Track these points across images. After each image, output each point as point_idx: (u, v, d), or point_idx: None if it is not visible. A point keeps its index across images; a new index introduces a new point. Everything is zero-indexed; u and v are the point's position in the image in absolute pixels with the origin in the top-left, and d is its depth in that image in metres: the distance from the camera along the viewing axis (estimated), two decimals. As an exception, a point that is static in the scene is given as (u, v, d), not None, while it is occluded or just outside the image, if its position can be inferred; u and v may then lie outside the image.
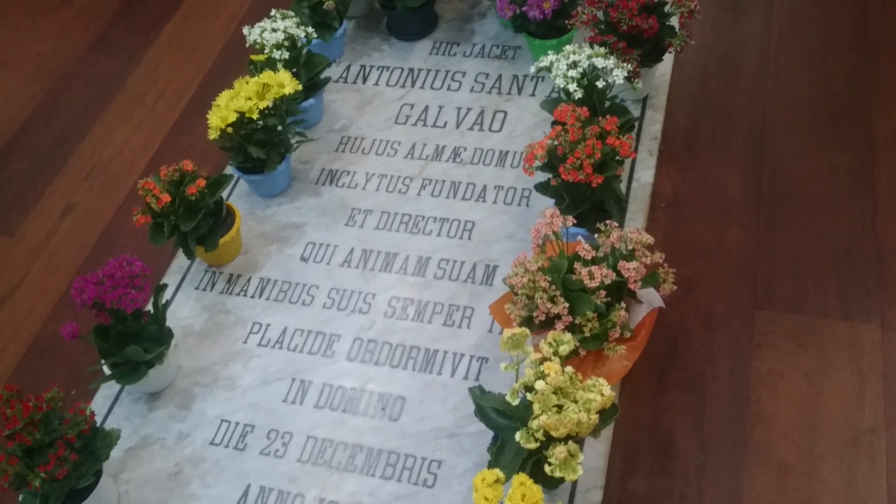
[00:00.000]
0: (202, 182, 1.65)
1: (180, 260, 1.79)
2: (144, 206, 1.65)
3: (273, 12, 1.90)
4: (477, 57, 2.07)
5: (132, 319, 1.50)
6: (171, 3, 2.41)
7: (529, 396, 1.21)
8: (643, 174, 1.76)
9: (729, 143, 1.82)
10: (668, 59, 1.89)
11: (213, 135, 1.71)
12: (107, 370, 1.54)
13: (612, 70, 1.61)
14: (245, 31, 1.88)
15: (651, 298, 1.41)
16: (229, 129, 1.71)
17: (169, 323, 1.58)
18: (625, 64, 1.65)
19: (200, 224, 1.65)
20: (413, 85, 2.04)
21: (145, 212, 1.65)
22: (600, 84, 1.62)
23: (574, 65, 1.63)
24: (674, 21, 1.77)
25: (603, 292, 1.34)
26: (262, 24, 1.87)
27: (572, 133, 1.51)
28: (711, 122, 1.85)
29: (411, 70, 2.07)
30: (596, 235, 1.41)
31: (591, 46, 1.69)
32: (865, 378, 1.43)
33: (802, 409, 1.41)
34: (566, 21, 1.82)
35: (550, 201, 1.64)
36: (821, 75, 1.89)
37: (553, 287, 1.35)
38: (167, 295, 1.72)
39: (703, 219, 1.70)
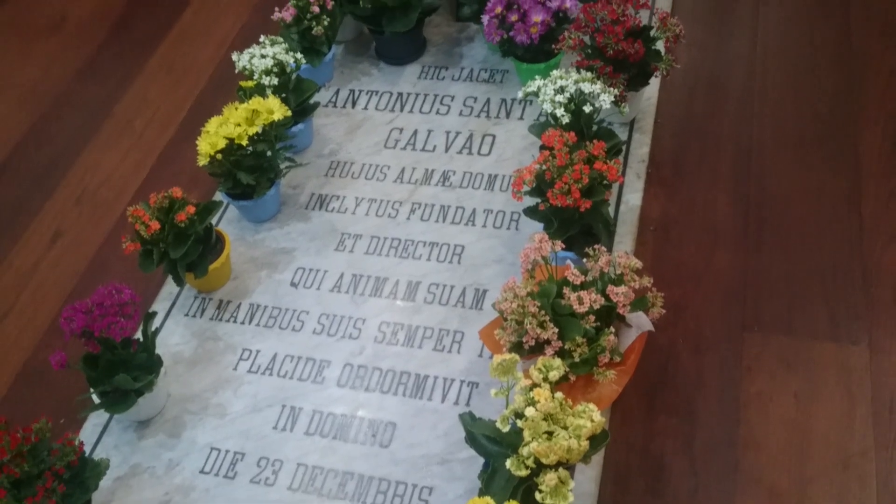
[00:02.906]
0: (192, 209, 1.65)
1: (170, 286, 1.79)
2: (134, 233, 1.65)
3: (262, 38, 1.91)
4: (465, 81, 2.08)
5: (121, 348, 1.49)
6: (161, 28, 2.42)
7: (520, 423, 1.21)
8: (631, 197, 1.77)
9: (716, 165, 1.83)
10: (655, 82, 1.91)
11: (202, 161, 1.72)
12: (96, 399, 1.53)
13: (598, 95, 1.62)
14: (234, 57, 1.89)
15: (640, 322, 1.42)
16: (219, 156, 1.71)
17: (158, 350, 1.58)
18: (611, 88, 1.66)
19: (190, 251, 1.65)
20: (402, 109, 2.05)
21: (134, 239, 1.64)
22: (587, 109, 1.63)
23: (561, 90, 1.65)
24: (659, 45, 1.78)
25: (592, 317, 1.34)
26: (251, 50, 1.88)
27: (560, 158, 1.52)
28: (698, 144, 1.87)
29: (400, 94, 2.08)
30: (584, 260, 1.41)
31: (578, 71, 1.70)
32: (854, 400, 1.43)
33: (792, 432, 1.42)
34: (553, 46, 1.83)
35: (539, 225, 1.65)
36: (806, 97, 1.91)
37: (542, 312, 1.35)
38: (156, 322, 1.71)
39: (691, 241, 1.71)
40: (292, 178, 1.94)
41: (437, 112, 2.03)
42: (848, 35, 2.01)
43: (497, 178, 1.86)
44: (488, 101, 2.02)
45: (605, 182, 1.53)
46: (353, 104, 2.09)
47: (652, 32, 1.77)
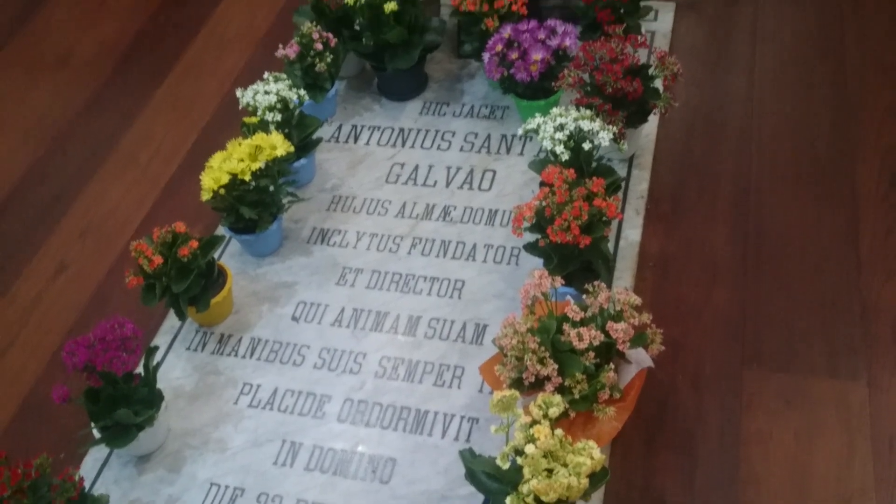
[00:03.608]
0: (194, 243, 1.66)
1: (171, 320, 1.80)
2: (136, 267, 1.66)
3: (266, 75, 1.93)
4: (466, 117, 2.11)
5: (123, 382, 1.50)
6: (166, 63, 2.45)
7: (519, 460, 1.21)
8: (631, 233, 1.78)
9: (714, 201, 1.84)
10: (654, 119, 1.93)
11: (205, 196, 1.73)
12: (96, 433, 1.54)
13: (597, 132, 1.64)
14: (238, 93, 1.91)
15: (640, 358, 1.43)
16: (222, 191, 1.73)
17: (159, 384, 1.58)
18: (610, 126, 1.69)
19: (192, 285, 1.66)
20: (404, 144, 2.07)
21: (137, 273, 1.66)
22: (587, 146, 1.65)
23: (561, 127, 1.67)
24: (658, 83, 1.81)
25: (592, 353, 1.35)
26: (255, 86, 1.91)
27: (559, 195, 1.54)
28: (697, 180, 1.88)
29: (402, 130, 2.11)
30: (584, 296, 1.42)
31: (578, 108, 1.72)
32: (854, 437, 1.43)
33: (793, 469, 1.41)
34: (553, 83, 1.86)
35: (539, 261, 1.66)
36: (803, 134, 1.93)
37: (542, 348, 1.36)
38: (158, 356, 1.72)
39: (690, 277, 1.72)
40: (294, 212, 1.95)
41: (439, 147, 2.05)
42: (843, 73, 2.04)
43: (497, 214, 1.87)
44: (489, 136, 2.04)
45: (604, 219, 1.54)
46: (356, 139, 2.11)
47: (650, 71, 1.80)
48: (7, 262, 2.03)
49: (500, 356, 1.41)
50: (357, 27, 2.09)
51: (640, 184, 1.87)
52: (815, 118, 1.96)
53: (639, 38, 1.82)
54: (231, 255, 1.91)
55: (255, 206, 1.79)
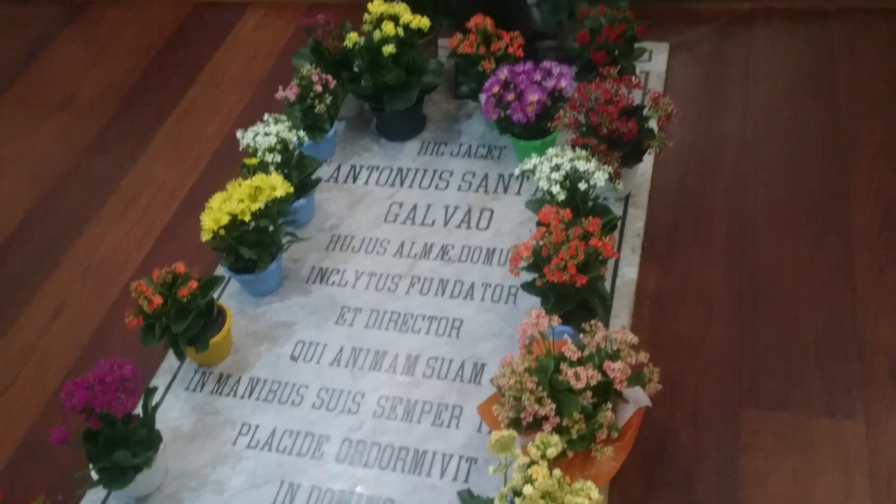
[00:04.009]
0: (194, 284, 1.67)
1: (171, 360, 1.80)
2: (136, 307, 1.67)
3: (266, 116, 1.96)
4: (464, 156, 2.13)
5: (121, 423, 1.50)
6: (168, 105, 2.48)
7: (518, 501, 1.21)
8: (627, 271, 1.79)
9: (710, 239, 1.86)
10: (649, 158, 1.95)
11: (205, 237, 1.75)
12: (94, 475, 1.53)
13: (593, 173, 1.66)
14: (238, 134, 1.94)
15: (637, 397, 1.43)
16: (222, 231, 1.74)
17: (158, 424, 1.58)
18: (606, 166, 1.71)
19: (191, 325, 1.67)
20: (402, 184, 2.09)
21: (137, 313, 1.67)
22: (582, 186, 1.67)
23: (557, 167, 1.69)
24: (652, 123, 1.84)
25: (589, 393, 1.36)
26: (255, 127, 1.93)
27: (556, 234, 1.55)
28: (693, 218, 1.90)
29: (400, 170, 2.13)
30: (581, 335, 1.43)
31: (574, 149, 1.75)
32: (852, 476, 1.43)
33: (792, 508, 1.41)
34: (549, 124, 1.89)
35: (537, 299, 1.67)
36: (796, 172, 1.95)
37: (540, 388, 1.37)
38: (157, 396, 1.72)
39: (687, 315, 1.73)
40: (294, 251, 1.97)
41: (437, 187, 2.07)
42: (836, 112, 2.06)
43: (495, 252, 1.89)
44: (486, 176, 2.07)
45: (600, 258, 1.56)
46: (355, 179, 2.13)
47: (645, 111, 1.82)
48: (7, 303, 2.04)
49: (499, 396, 1.42)
50: (356, 69, 2.13)
51: (636, 222, 1.88)
52: (808, 156, 1.98)
53: (633, 79, 1.84)
54: (230, 295, 1.92)
55: (255, 246, 1.80)
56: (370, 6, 2.06)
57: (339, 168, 2.17)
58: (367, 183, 2.12)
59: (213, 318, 1.75)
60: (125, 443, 1.51)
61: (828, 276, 1.74)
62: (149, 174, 2.30)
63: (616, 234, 1.84)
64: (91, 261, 2.10)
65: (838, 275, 1.74)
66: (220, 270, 1.91)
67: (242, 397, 1.72)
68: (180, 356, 1.70)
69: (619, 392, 1.41)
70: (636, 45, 2.04)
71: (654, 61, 2.26)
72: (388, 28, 2.00)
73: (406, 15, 2.05)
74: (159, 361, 1.82)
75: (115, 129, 2.47)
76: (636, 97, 1.90)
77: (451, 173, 2.10)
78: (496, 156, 2.12)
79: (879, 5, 2.32)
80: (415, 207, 2.03)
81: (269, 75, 2.51)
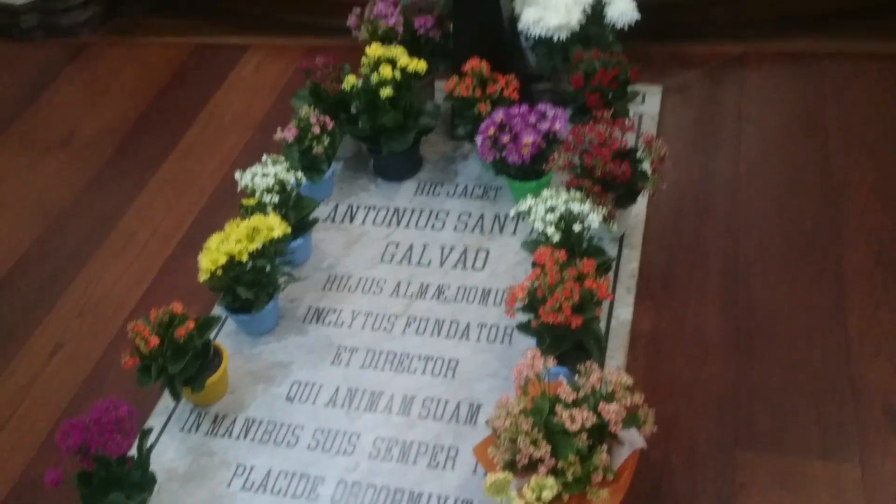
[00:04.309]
0: (191, 324, 1.68)
1: (166, 400, 1.80)
2: (133, 347, 1.67)
3: (264, 157, 1.98)
4: (460, 197, 2.15)
5: (116, 465, 1.50)
6: (167, 145, 2.51)
7: (513, 545, 1.21)
8: (622, 311, 1.80)
9: (704, 279, 1.87)
10: (643, 200, 1.97)
11: (203, 277, 1.76)
12: (88, 517, 1.52)
13: (587, 214, 1.68)
14: (237, 175, 1.96)
15: (633, 439, 1.43)
16: (219, 272, 1.75)
17: (153, 465, 1.58)
18: (600, 207, 1.73)
19: (188, 366, 1.67)
20: (398, 224, 2.11)
21: (133, 354, 1.67)
22: (577, 227, 1.69)
23: (551, 209, 1.71)
24: (646, 165, 1.86)
25: (585, 435, 1.36)
26: (253, 168, 1.95)
27: (551, 276, 1.57)
28: (687, 259, 1.92)
29: (397, 210, 2.15)
30: (576, 376, 1.44)
31: (568, 190, 1.77)
32: (849, 519, 1.43)
33: (788, 551, 1.41)
34: (544, 165, 1.91)
35: (533, 340, 1.67)
36: (789, 213, 1.97)
37: (535, 430, 1.37)
38: (152, 436, 1.72)
39: (682, 355, 1.73)
40: (290, 291, 1.98)
41: (433, 227, 2.09)
42: (827, 153, 2.09)
43: (491, 293, 1.90)
44: (482, 216, 2.09)
45: (595, 299, 1.57)
46: (352, 219, 2.15)
47: (638, 154, 1.85)
48: (5, 341, 2.04)
49: (494, 437, 1.42)
50: (353, 111, 2.16)
51: (630, 263, 1.90)
52: (800, 197, 2.00)
53: (626, 121, 1.88)
54: (227, 335, 1.92)
55: (252, 286, 1.81)
56: (368, 50, 2.10)
57: (336, 208, 2.19)
58: (363, 223, 2.13)
59: (209, 358, 1.75)
60: (120, 485, 1.51)
61: (821, 317, 1.75)
62: (147, 213, 2.31)
63: (611, 274, 1.85)
64: (88, 299, 2.10)
65: (831, 315, 1.75)
66: (217, 310, 1.92)
67: (238, 438, 1.71)
68: (176, 397, 1.70)
69: (614, 434, 1.41)
70: (629, 89, 2.08)
71: (648, 103, 2.29)
72: (386, 71, 2.04)
73: (403, 58, 2.08)
74: (155, 401, 1.81)
75: (114, 167, 2.49)
76: (630, 139, 1.93)
77: (448, 213, 2.11)
78: (492, 196, 2.14)
79: (867, 50, 2.36)
80: (411, 247, 2.05)
81: (268, 116, 2.54)
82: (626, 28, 2.15)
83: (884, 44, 2.37)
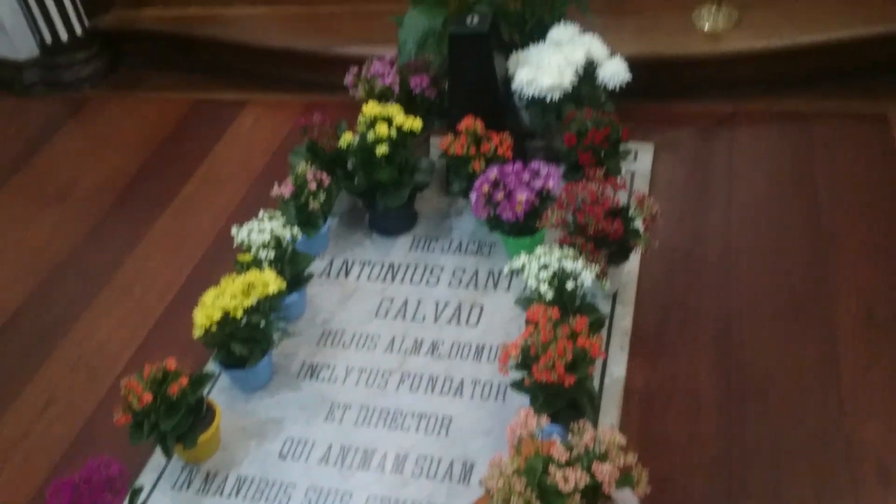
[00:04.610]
0: (185, 380, 1.68)
1: (158, 456, 1.79)
2: (125, 404, 1.67)
3: (261, 213, 2.00)
4: (455, 252, 2.17)
5: (106, 524, 1.49)
6: (165, 198, 2.53)
7: None
8: (615, 368, 1.81)
9: (697, 335, 1.88)
10: (635, 257, 1.99)
11: (198, 333, 1.77)
12: (76, 578, 1.50)
13: (580, 272, 1.70)
14: (233, 231, 1.98)
15: (626, 500, 1.42)
16: (214, 328, 1.76)
17: (143, 525, 1.57)
18: (593, 264, 1.75)
19: (181, 422, 1.67)
20: (393, 279, 2.12)
21: (126, 410, 1.66)
22: (570, 285, 1.70)
23: (545, 266, 1.73)
24: (638, 223, 1.88)
25: (578, 496, 1.35)
26: (249, 224, 1.97)
27: (544, 334, 1.57)
28: (679, 315, 1.93)
29: (392, 265, 2.16)
30: (570, 435, 1.44)
31: (561, 247, 1.79)
32: (844, 582, 1.42)
33: None
34: (537, 222, 1.93)
35: (527, 397, 1.68)
36: (780, 269, 1.99)
37: (529, 490, 1.36)
38: (143, 495, 1.70)
39: (675, 413, 1.74)
40: (284, 346, 1.98)
41: (428, 282, 2.10)
42: (817, 209, 2.12)
43: (485, 349, 1.91)
44: (477, 272, 2.10)
45: (588, 358, 1.58)
46: (347, 274, 2.16)
47: (630, 212, 1.87)
48: (-3, 396, 2.04)
49: (488, 497, 1.41)
50: (350, 167, 2.19)
51: (623, 319, 1.91)
52: (791, 254, 2.03)
53: (619, 179, 1.90)
54: (220, 390, 1.92)
55: (247, 342, 1.81)
56: (365, 108, 2.13)
57: (331, 262, 2.20)
58: (358, 278, 2.15)
59: (202, 414, 1.75)
60: (109, 544, 1.49)
61: (814, 374, 1.76)
62: (143, 267, 2.32)
63: (604, 331, 1.86)
64: (82, 353, 2.10)
65: (824, 372, 1.76)
66: (211, 365, 1.92)
67: (229, 496, 1.70)
68: (168, 453, 1.69)
69: (608, 496, 1.40)
70: (622, 147, 2.11)
71: (640, 161, 2.33)
72: (382, 129, 2.07)
73: (399, 117, 2.12)
74: (146, 457, 1.80)
75: (111, 221, 2.51)
76: (622, 197, 1.95)
77: (442, 269, 2.13)
78: (486, 252, 2.16)
79: (853, 110, 2.42)
80: (406, 302, 2.06)
81: (266, 170, 2.57)
82: (617, 88, 2.19)
83: (868, 104, 2.42)
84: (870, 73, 2.51)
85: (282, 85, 2.93)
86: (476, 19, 2.14)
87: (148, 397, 1.64)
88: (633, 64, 2.23)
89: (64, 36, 3.03)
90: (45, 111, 3.04)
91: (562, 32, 2.23)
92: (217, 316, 1.76)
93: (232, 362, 1.85)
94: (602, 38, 2.25)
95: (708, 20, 2.56)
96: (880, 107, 2.40)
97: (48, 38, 3.03)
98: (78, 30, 3.05)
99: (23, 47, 3.06)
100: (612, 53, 2.23)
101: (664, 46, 2.53)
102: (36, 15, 2.97)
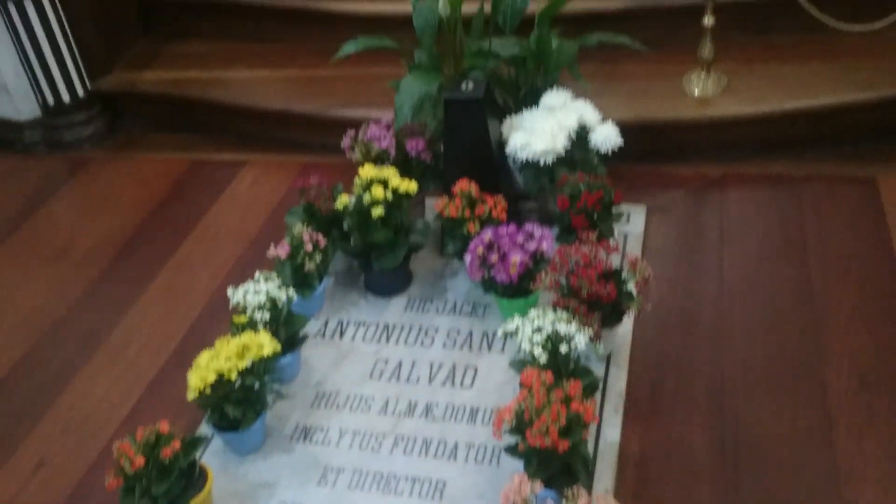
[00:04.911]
0: (177, 444, 1.67)
1: (149, 521, 1.77)
2: (117, 467, 1.66)
3: (257, 275, 2.02)
4: (449, 313, 2.18)
5: (94, 592, 1.46)
6: (161, 258, 2.54)
7: None
8: (610, 432, 1.80)
9: (691, 399, 1.89)
10: (629, 319, 2.00)
11: (191, 396, 1.76)
12: None
13: (574, 336, 1.71)
14: (229, 292, 1.99)
15: (621, 568, 1.41)
16: (208, 390, 1.76)
17: (131, 593, 1.54)
18: (587, 327, 1.76)
19: (172, 486, 1.66)
20: (388, 340, 2.13)
21: (118, 473, 1.65)
22: (564, 349, 1.71)
23: (539, 329, 1.74)
24: (631, 286, 1.90)
25: (572, 564, 1.34)
26: (245, 286, 1.99)
27: (538, 398, 1.58)
28: (673, 379, 1.93)
29: (387, 325, 2.17)
30: (563, 502, 1.43)
31: (555, 310, 1.80)
32: None
33: None
34: (531, 284, 1.95)
35: (521, 462, 1.67)
36: (772, 334, 2.00)
37: (522, 558, 1.35)
38: (132, 560, 1.68)
39: (670, 478, 1.73)
40: (278, 408, 1.97)
41: (422, 343, 2.10)
42: (808, 274, 2.14)
43: (479, 412, 1.90)
44: (471, 333, 2.11)
45: (582, 422, 1.58)
46: (342, 335, 2.17)
47: (623, 275, 1.89)
48: (-12, 457, 2.02)
49: (481, 565, 1.40)
50: (346, 228, 2.21)
51: (618, 382, 1.91)
52: (782, 318, 2.04)
53: (611, 242, 1.93)
54: (213, 452, 1.90)
55: (240, 405, 1.81)
56: (361, 171, 2.17)
57: (326, 323, 2.21)
58: (353, 338, 2.15)
59: (194, 478, 1.73)
60: None
61: (808, 441, 1.76)
62: (138, 327, 2.33)
63: (598, 395, 1.86)
64: (75, 415, 2.09)
65: (818, 438, 1.76)
66: (204, 427, 1.91)
67: (220, 562, 1.68)
68: (158, 518, 1.67)
69: (602, 563, 1.39)
70: (614, 210, 2.14)
71: (633, 223, 2.36)
72: (378, 192, 2.10)
73: (395, 179, 2.15)
74: (137, 522, 1.78)
75: (108, 280, 2.52)
76: (615, 259, 1.97)
77: (437, 330, 2.14)
78: (481, 313, 2.17)
79: (841, 173, 2.46)
80: (400, 364, 2.06)
81: (262, 230, 2.59)
82: (609, 152, 2.23)
83: (857, 168, 2.47)
84: (858, 137, 2.56)
85: (279, 146, 2.97)
86: (471, 85, 2.19)
87: (140, 461, 1.63)
88: (625, 128, 2.27)
89: (66, 97, 3.08)
90: (45, 171, 3.08)
91: (555, 98, 2.28)
92: (211, 378, 1.76)
93: (225, 425, 1.84)
94: (594, 103, 2.30)
95: (697, 85, 2.62)
96: (869, 171, 2.45)
97: (50, 100, 3.08)
98: (80, 91, 3.11)
99: (25, 108, 3.11)
100: (604, 118, 2.28)
101: (655, 111, 2.59)
102: (39, 77, 3.03)
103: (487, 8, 2.37)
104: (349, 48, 2.38)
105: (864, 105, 2.51)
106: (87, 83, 3.13)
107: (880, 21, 2.48)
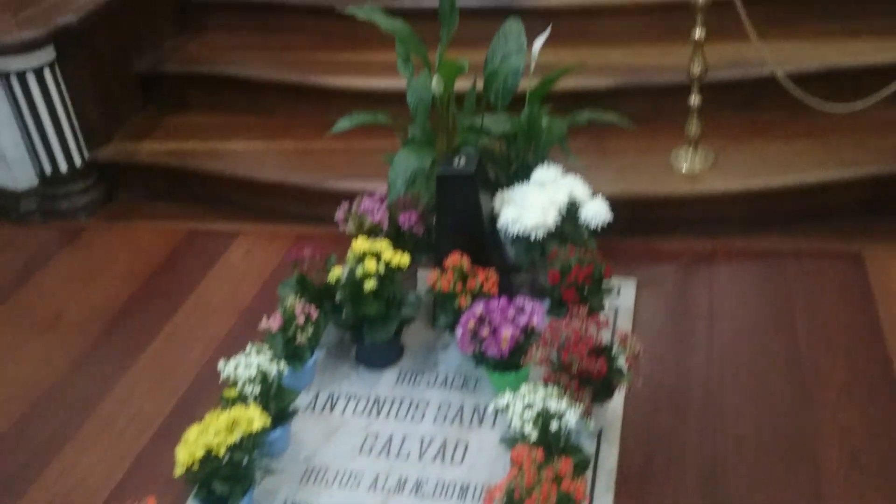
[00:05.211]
0: (163, 521, 1.65)
1: None
2: (101, 546, 1.63)
3: (248, 347, 2.02)
4: (441, 386, 2.17)
5: None
6: (152, 328, 2.54)
7: None
8: (602, 510, 1.79)
9: (683, 475, 1.87)
10: (620, 395, 2.00)
11: (179, 472, 1.74)
12: None
13: (564, 413, 1.71)
14: (220, 366, 1.98)
15: None
16: (196, 466, 1.74)
17: None
18: (577, 403, 1.76)
19: (156, 566, 1.63)
20: (379, 414, 2.12)
21: (101, 553, 1.63)
22: (554, 425, 1.71)
23: (529, 406, 1.74)
24: (621, 361, 1.90)
25: None
26: (236, 359, 1.98)
27: (528, 477, 1.57)
28: (665, 455, 1.92)
29: (377, 399, 2.16)
30: (555, 584, 1.41)
31: (546, 385, 1.80)
32: None
33: None
34: (522, 357, 1.95)
35: (510, 541, 1.65)
36: (763, 411, 2.00)
37: None
38: None
39: (663, 558, 1.71)
40: (267, 483, 1.95)
41: (413, 418, 2.09)
42: (797, 351, 2.16)
43: (469, 488, 1.88)
44: (462, 407, 2.10)
45: (572, 502, 1.56)
46: (332, 408, 2.16)
47: (613, 350, 1.90)
48: (-33, 533, 1.98)
49: None
50: (338, 300, 2.22)
51: (609, 459, 1.90)
52: (773, 395, 2.04)
53: (601, 317, 1.94)
54: (199, 530, 1.87)
55: (228, 481, 1.79)
56: (354, 244, 2.19)
57: (317, 396, 2.20)
58: (343, 412, 2.14)
59: (179, 556, 1.71)
60: None
61: (801, 519, 1.74)
62: (128, 398, 2.31)
63: (589, 471, 1.85)
64: (59, 490, 2.06)
65: (811, 517, 1.74)
66: (191, 502, 1.88)
67: None
68: None
69: None
70: (604, 285, 2.16)
71: (623, 296, 2.38)
72: (370, 265, 2.12)
73: (387, 252, 2.17)
74: None
75: (98, 351, 2.51)
76: (605, 334, 1.98)
77: (428, 403, 2.13)
78: (472, 386, 2.16)
79: (827, 248, 2.49)
80: (390, 438, 2.05)
81: (255, 301, 2.59)
82: (599, 227, 2.27)
83: (843, 243, 2.50)
84: (843, 213, 2.60)
85: (274, 217, 3.00)
86: (463, 160, 2.23)
87: (124, 539, 1.60)
88: (615, 203, 2.31)
89: (63, 167, 3.12)
90: (40, 240, 3.09)
91: (545, 173, 2.32)
92: (200, 454, 1.74)
93: (213, 501, 1.81)
94: (584, 178, 2.35)
95: (685, 161, 2.67)
96: (855, 246, 2.48)
97: (48, 169, 3.11)
98: (78, 161, 3.15)
99: (22, 177, 3.14)
100: (594, 193, 2.32)
101: (644, 186, 2.63)
102: (38, 147, 3.07)
103: (480, 86, 2.43)
104: (344, 123, 2.43)
105: (848, 182, 2.57)
106: (86, 153, 3.17)
107: (862, 101, 2.55)
